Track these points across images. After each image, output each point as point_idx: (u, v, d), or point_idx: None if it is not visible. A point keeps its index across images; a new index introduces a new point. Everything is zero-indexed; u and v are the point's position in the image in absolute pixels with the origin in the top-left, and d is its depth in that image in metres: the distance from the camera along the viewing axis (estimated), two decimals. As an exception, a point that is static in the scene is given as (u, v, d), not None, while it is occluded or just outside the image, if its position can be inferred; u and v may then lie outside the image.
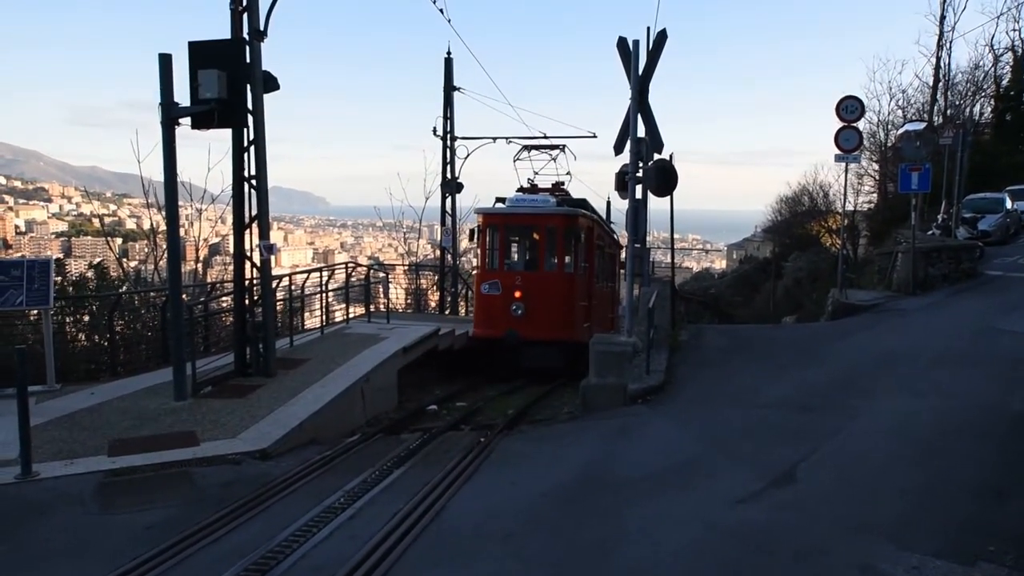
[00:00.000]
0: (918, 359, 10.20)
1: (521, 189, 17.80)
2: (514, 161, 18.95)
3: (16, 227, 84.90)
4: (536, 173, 18.63)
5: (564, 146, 19.18)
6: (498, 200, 16.64)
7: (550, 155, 18.92)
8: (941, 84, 28.32)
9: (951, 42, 27.64)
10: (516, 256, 16.63)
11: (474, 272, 18.92)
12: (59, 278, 13.20)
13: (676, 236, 16.23)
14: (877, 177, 28.98)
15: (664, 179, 11.56)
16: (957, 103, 28.78)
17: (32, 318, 11.45)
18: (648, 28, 10.64)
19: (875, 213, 27.86)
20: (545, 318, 15.18)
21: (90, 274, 14.78)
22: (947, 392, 8.35)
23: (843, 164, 15.94)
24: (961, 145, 20.90)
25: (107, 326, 12.76)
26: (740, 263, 44.41)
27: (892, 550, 4.45)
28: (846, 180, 16.96)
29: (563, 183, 18.66)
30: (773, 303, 27.01)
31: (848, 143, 15.25)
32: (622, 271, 18.36)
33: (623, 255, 16.79)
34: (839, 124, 15.20)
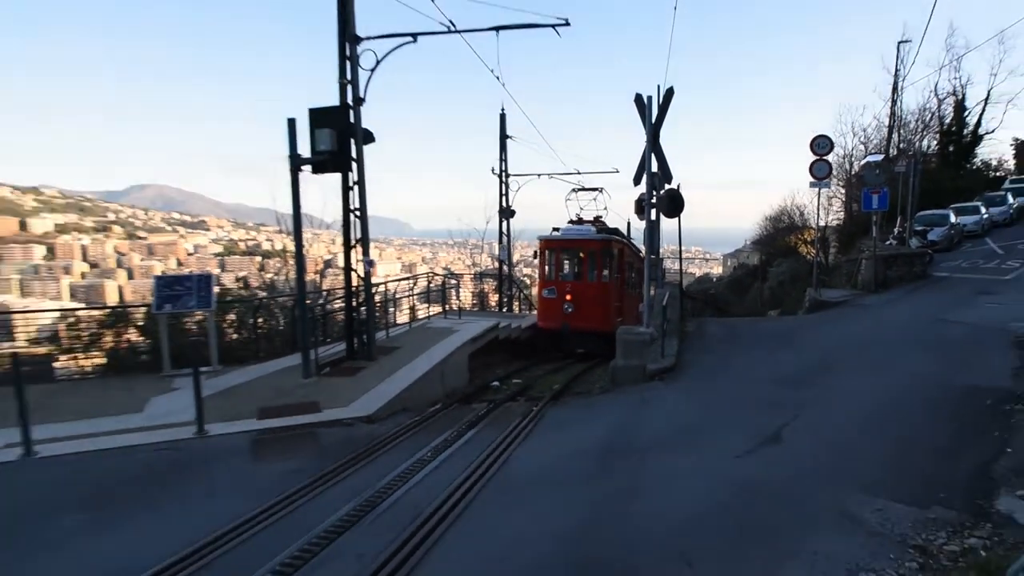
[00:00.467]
0: (880, 344, 9.84)
1: (571, 221, 18.60)
2: (565, 200, 19.79)
3: (186, 250, 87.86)
4: (582, 208, 19.57)
5: (602, 188, 20.00)
6: (554, 229, 17.45)
7: (592, 196, 19.81)
8: (896, 123, 27.71)
9: (903, 89, 27.03)
10: (567, 269, 17.31)
11: (534, 281, 20.39)
12: (217, 288, 13.58)
13: (681, 248, 16.28)
14: (844, 199, 28.16)
15: (673, 205, 11.52)
16: (909, 138, 27.98)
17: (198, 317, 11.82)
18: (658, 86, 10.56)
19: (843, 227, 27.12)
20: (588, 315, 16.03)
21: (239, 284, 15.22)
22: (906, 371, 8.02)
23: (816, 189, 15.47)
24: (913, 172, 20.36)
25: (252, 323, 13.14)
26: (734, 269, 43.32)
27: (861, 497, 4.35)
28: (819, 202, 16.34)
29: (601, 216, 19.42)
30: (761, 301, 26.33)
31: (820, 172, 14.77)
32: None
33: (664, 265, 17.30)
34: (812, 157, 14.75)
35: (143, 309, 12.29)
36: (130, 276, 79.60)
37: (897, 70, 26.54)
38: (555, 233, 17.25)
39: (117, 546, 4.46)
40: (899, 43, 26.27)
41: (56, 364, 11.82)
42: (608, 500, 4.79)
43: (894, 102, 27.06)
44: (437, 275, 20.55)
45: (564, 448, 6.49)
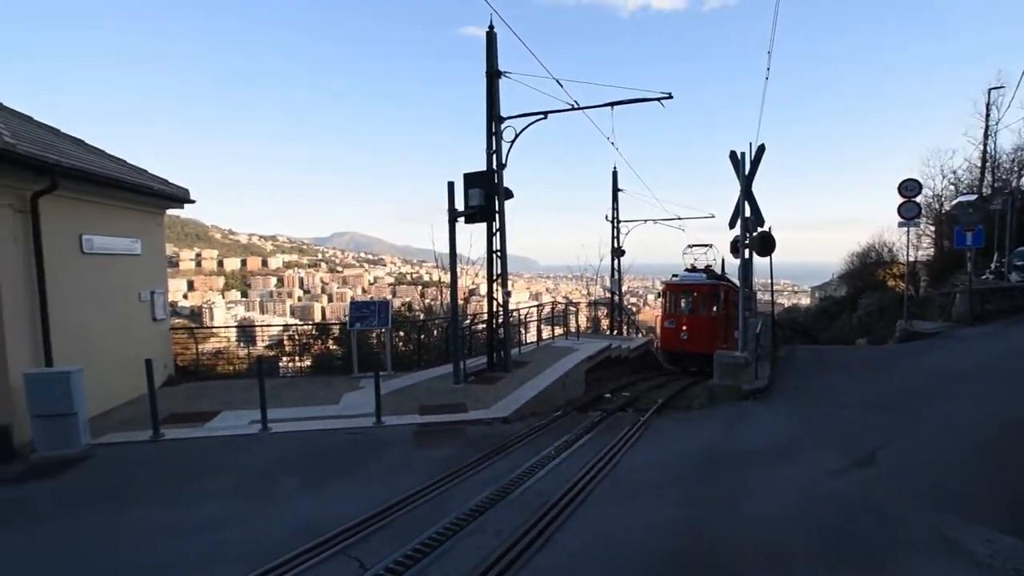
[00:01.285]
0: (976, 374, 8.29)
1: (687, 269, 19.53)
2: (683, 254, 20.79)
3: (368, 280, 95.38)
4: (695, 259, 20.45)
5: (712, 244, 20.89)
6: (673, 275, 19.00)
7: (703, 251, 20.73)
8: (989, 164, 23.80)
9: (996, 132, 23.25)
10: (683, 306, 18.22)
11: (640, 309, 22.14)
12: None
13: (770, 281, 15.33)
14: (934, 236, 24.51)
15: (765, 245, 10.80)
16: (1004, 178, 23.87)
17: (377, 334, 12.77)
18: (750, 143, 10.01)
19: (932, 263, 23.49)
20: (699, 341, 17.02)
21: (405, 308, 16.29)
22: (1002, 399, 6.70)
23: (905, 228, 13.66)
24: (1010, 209, 17.35)
25: (416, 338, 13.96)
26: (820, 300, 38.98)
27: (962, 524, 3.65)
28: (908, 240, 14.32)
29: (711, 265, 20.07)
30: (848, 330, 23.46)
31: (909, 213, 13.01)
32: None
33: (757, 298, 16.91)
34: (900, 199, 13.05)
35: (338, 326, 13.55)
36: (330, 300, 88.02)
37: (988, 113, 23.04)
38: (674, 278, 18.78)
39: (321, 503, 4.91)
40: (990, 89, 22.88)
41: (280, 364, 13.34)
42: (708, 503, 4.47)
43: (985, 144, 23.47)
44: (559, 303, 20.63)
45: (668, 455, 6.16)
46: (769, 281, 15.81)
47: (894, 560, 3.34)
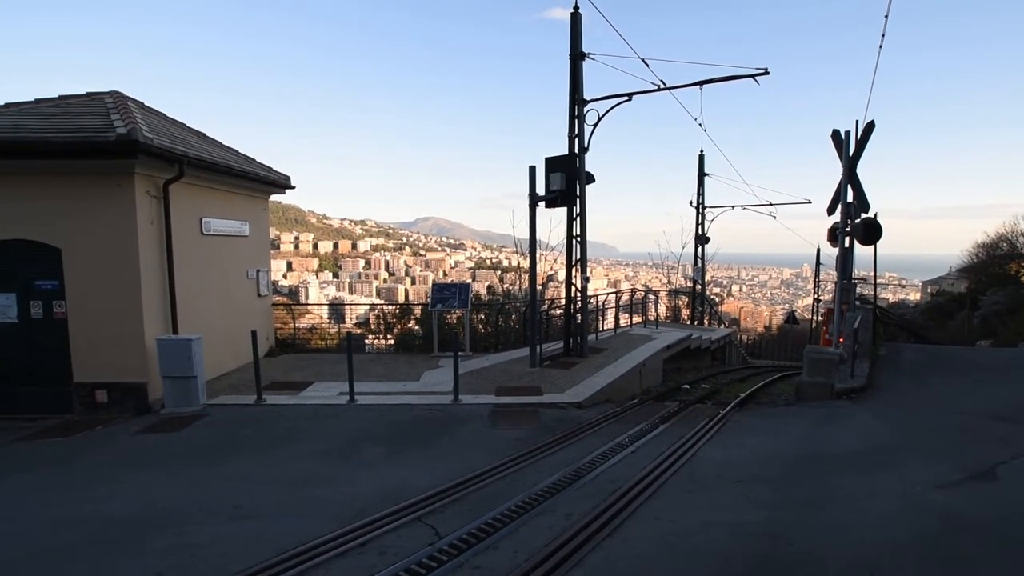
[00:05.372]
0: None
1: None
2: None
3: (449, 264, 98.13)
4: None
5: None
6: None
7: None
8: None
9: None
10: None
11: (723, 299, 20.30)
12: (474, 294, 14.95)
13: (873, 273, 13.98)
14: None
15: (869, 233, 9.81)
16: None
17: (457, 314, 13.17)
18: (856, 121, 9.09)
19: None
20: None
21: (484, 292, 16.60)
22: None
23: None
24: None
25: (494, 321, 14.24)
26: (933, 296, 34.83)
27: None
28: None
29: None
30: (968, 330, 20.79)
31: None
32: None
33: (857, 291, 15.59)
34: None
35: (420, 307, 14.12)
36: (413, 282, 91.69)
37: None
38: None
39: (401, 472, 5.22)
40: None
41: (366, 341, 14.18)
42: (791, 506, 4.19)
43: None
44: (638, 290, 20.15)
45: (748, 451, 5.84)
46: (872, 273, 14.49)
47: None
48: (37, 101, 8.54)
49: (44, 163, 7.32)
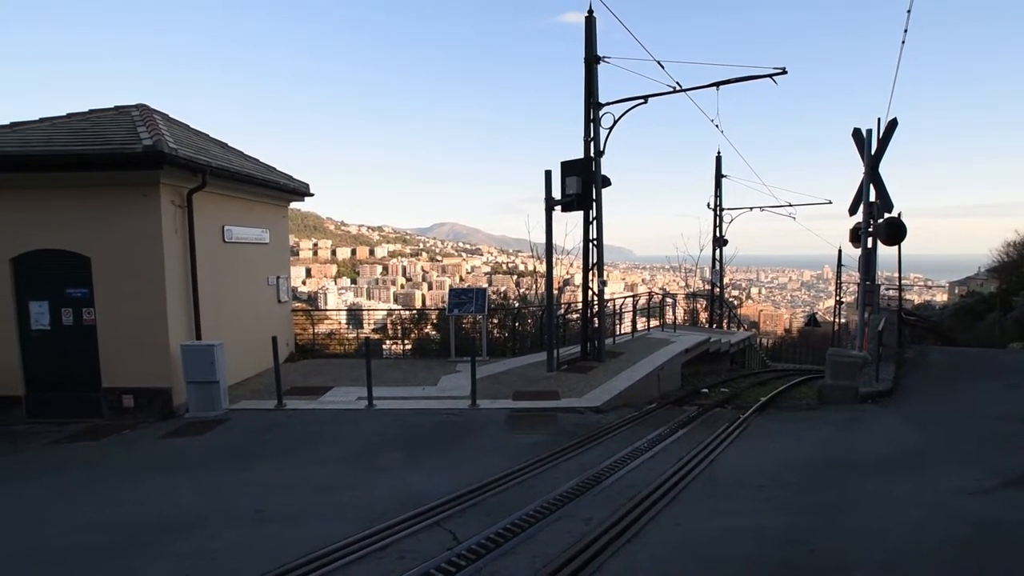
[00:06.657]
0: None
1: None
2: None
3: (465, 269, 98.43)
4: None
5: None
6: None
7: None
8: None
9: None
10: None
11: (742, 303, 20.02)
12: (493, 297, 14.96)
13: (898, 274, 13.66)
14: None
15: (892, 233, 9.56)
16: None
17: (473, 321, 13.18)
18: (879, 119, 8.89)
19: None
20: None
21: (500, 296, 16.62)
22: None
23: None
24: None
25: (511, 326, 14.24)
26: (961, 297, 33.78)
27: None
28: None
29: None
30: (999, 332, 20.10)
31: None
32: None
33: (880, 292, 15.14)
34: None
35: (436, 312, 14.20)
36: (429, 287, 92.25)
37: None
38: None
39: (419, 477, 5.23)
40: None
41: (384, 346, 14.28)
42: (815, 512, 4.10)
43: None
44: (656, 294, 19.99)
45: (769, 456, 5.74)
46: (896, 274, 14.18)
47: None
48: (69, 116, 8.82)
49: (75, 175, 7.56)
